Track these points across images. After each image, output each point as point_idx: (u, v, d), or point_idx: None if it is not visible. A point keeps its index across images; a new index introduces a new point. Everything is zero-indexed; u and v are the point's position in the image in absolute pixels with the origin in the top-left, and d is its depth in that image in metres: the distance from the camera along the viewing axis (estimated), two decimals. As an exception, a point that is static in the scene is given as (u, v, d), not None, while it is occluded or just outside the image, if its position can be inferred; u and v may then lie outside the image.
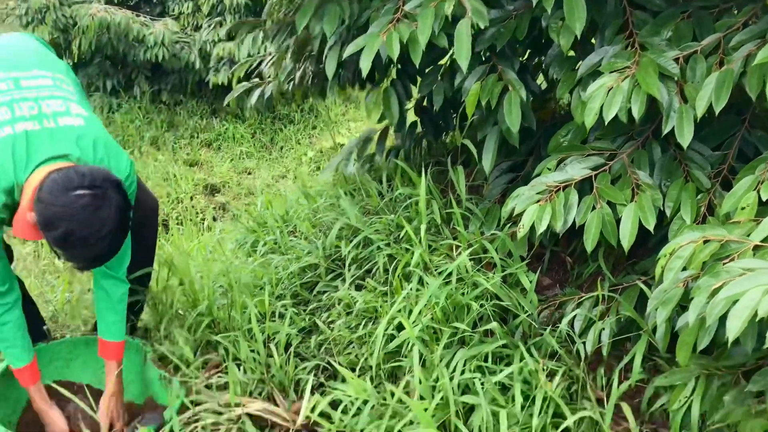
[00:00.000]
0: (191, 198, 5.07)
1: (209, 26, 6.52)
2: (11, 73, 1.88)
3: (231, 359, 2.22)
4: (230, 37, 6.13)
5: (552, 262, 2.50)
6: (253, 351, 2.26)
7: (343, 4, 2.25)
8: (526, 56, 2.54)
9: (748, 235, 1.62)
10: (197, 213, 5.05)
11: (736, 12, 1.92)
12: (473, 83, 2.15)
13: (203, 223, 4.83)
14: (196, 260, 3.17)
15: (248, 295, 2.49)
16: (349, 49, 2.13)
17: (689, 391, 1.78)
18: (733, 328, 1.29)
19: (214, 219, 4.78)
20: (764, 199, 1.74)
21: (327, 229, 2.79)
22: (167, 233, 4.65)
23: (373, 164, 3.39)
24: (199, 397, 2.11)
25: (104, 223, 1.70)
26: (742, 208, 1.74)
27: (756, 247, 1.58)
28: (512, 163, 2.61)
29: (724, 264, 1.53)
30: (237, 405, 2.07)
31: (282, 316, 2.44)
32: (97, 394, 2.19)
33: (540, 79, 2.77)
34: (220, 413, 2.05)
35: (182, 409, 2.05)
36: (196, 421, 2.02)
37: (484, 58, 2.31)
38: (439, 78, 2.46)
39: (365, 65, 2.06)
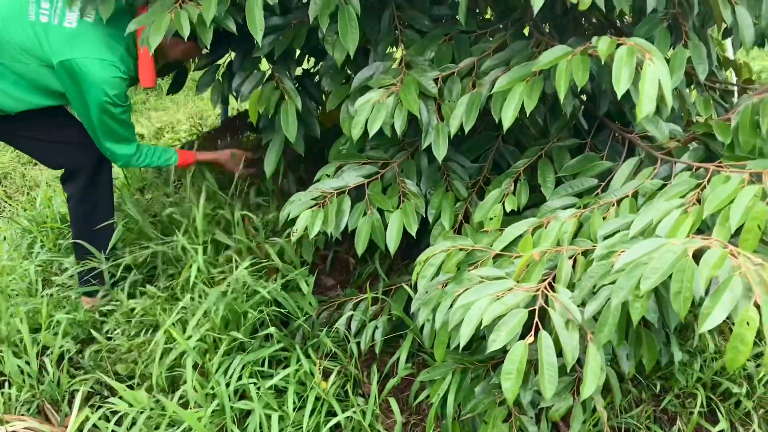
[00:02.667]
0: (23, 175, 4.58)
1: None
2: None
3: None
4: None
5: (336, 263, 2.60)
6: (27, 363, 2.14)
7: None
8: (308, 63, 2.59)
9: (492, 245, 1.80)
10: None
11: (490, 38, 2.10)
12: (250, 88, 2.17)
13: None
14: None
15: (22, 302, 2.35)
16: (132, 25, 2.03)
17: (446, 384, 1.95)
18: (464, 335, 1.43)
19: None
20: (508, 211, 1.95)
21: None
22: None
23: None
24: (-45, 419, 1.97)
25: None
26: (491, 219, 1.94)
27: (497, 256, 1.77)
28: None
29: (469, 271, 1.69)
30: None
31: (59, 322, 2.32)
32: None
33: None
34: (-21, 436, 1.93)
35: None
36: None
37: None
38: (219, 79, 2.44)
39: (153, 42, 1.96)
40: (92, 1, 2.11)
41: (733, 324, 1.13)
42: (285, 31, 2.18)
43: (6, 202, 3.76)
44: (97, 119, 2.19)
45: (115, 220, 2.50)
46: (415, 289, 1.81)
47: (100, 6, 2.08)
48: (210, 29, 1.95)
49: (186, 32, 1.93)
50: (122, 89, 2.18)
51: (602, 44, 1.62)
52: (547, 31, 2.27)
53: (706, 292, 1.15)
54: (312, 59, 2.64)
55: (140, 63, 2.21)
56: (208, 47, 1.98)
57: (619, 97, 1.57)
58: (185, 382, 2.00)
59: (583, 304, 1.43)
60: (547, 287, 1.44)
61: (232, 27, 2.00)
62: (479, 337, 1.86)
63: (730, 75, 2.66)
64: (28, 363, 2.14)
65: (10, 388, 2.11)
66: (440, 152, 1.92)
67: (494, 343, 1.33)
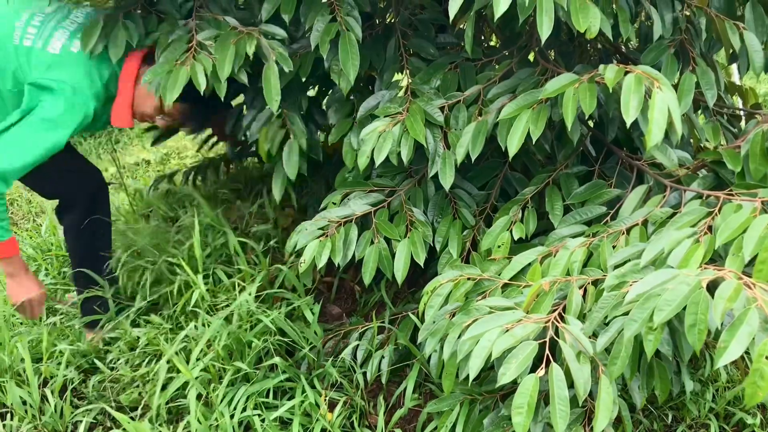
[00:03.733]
0: (29, 201, 4.59)
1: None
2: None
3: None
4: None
5: (342, 291, 2.57)
6: (29, 394, 2.12)
7: (129, 27, 2.16)
8: (315, 91, 2.59)
9: (500, 274, 1.78)
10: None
11: (496, 66, 2.10)
12: (258, 127, 2.18)
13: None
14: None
15: (25, 331, 2.33)
16: (148, 76, 2.04)
17: (455, 416, 1.91)
18: (474, 367, 1.41)
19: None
20: (516, 238, 1.93)
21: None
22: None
23: (173, 185, 3.30)
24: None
25: None
26: (498, 247, 1.92)
27: (505, 285, 1.74)
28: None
29: (477, 301, 1.67)
30: (0, 458, 1.93)
31: (62, 353, 2.29)
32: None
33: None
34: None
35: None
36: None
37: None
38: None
39: (170, 97, 1.98)
40: (77, 31, 2.12)
41: (747, 354, 1.10)
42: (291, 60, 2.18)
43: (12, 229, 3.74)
44: (19, 130, 2.02)
45: (113, 252, 2.48)
46: (421, 318, 1.79)
47: (82, 39, 2.09)
48: (225, 83, 1.99)
49: (203, 87, 1.96)
50: (78, 122, 2.06)
51: (609, 72, 1.61)
52: (553, 57, 2.27)
53: (722, 324, 1.13)
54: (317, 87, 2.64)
55: (119, 102, 2.16)
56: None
57: (627, 126, 1.56)
58: (189, 412, 1.97)
59: (594, 336, 1.41)
60: (557, 318, 1.42)
61: (244, 79, 2.03)
62: (488, 367, 1.83)
63: (736, 100, 2.66)
64: (30, 394, 2.12)
65: (12, 419, 2.08)
66: (447, 180, 1.91)
67: (504, 376, 1.30)
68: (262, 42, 2.03)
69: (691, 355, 1.94)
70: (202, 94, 1.98)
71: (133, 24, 2.18)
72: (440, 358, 1.93)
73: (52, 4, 2.22)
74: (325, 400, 2.03)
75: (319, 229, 2.04)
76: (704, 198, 1.70)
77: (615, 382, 1.35)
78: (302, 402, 2.00)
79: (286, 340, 2.14)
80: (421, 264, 1.97)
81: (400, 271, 1.97)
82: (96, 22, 2.13)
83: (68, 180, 2.36)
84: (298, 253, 2.13)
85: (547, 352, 1.33)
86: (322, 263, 1.95)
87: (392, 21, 2.31)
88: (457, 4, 1.56)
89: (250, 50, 2.00)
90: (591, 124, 2.21)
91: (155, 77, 2.04)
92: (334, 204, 2.17)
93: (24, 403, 2.11)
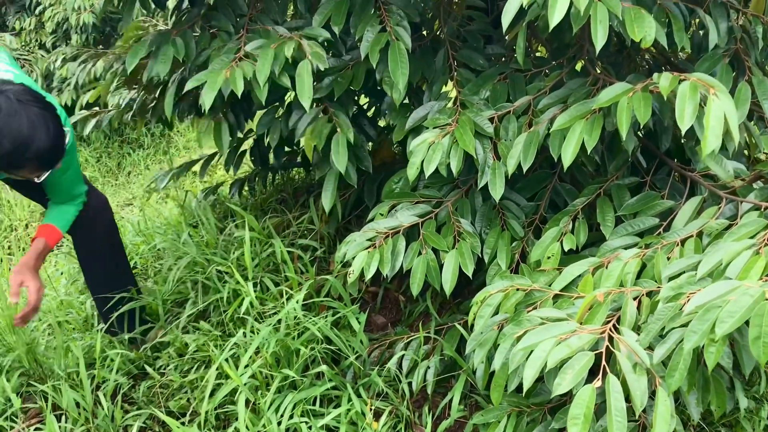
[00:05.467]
0: (26, 226, 4.74)
1: (54, 47, 6.15)
2: None
3: (50, 408, 2.11)
4: (76, 57, 5.84)
5: (387, 300, 2.58)
6: (82, 398, 2.16)
7: (178, 44, 2.21)
8: (365, 103, 2.62)
9: (550, 285, 1.77)
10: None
11: (546, 76, 2.10)
12: (305, 124, 2.19)
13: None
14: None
15: (78, 336, 2.39)
16: (189, 84, 2.09)
17: (502, 428, 1.89)
18: (528, 377, 1.39)
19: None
20: (566, 250, 1.91)
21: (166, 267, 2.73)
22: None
23: (217, 196, 3.36)
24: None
25: (24, 120, 1.77)
26: (548, 258, 1.90)
27: (556, 296, 1.73)
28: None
29: (528, 312, 1.66)
30: (55, 459, 1.97)
31: (113, 360, 2.34)
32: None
33: (383, 122, 2.87)
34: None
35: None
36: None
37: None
38: (276, 117, 2.48)
39: (207, 101, 2.03)
40: None
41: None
42: (343, 72, 2.20)
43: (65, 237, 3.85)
44: None
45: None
46: (466, 328, 1.78)
47: (128, 58, 2.16)
48: (264, 88, 2.01)
49: (240, 89, 1.98)
50: None
51: (664, 80, 1.60)
52: (602, 68, 2.25)
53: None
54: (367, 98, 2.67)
55: None
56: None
57: (683, 133, 1.54)
58: (237, 419, 1.99)
59: (649, 348, 1.39)
60: (612, 329, 1.40)
61: (286, 82, 2.04)
62: (535, 380, 1.81)
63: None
64: (83, 397, 2.16)
65: (66, 422, 2.12)
66: (497, 191, 1.90)
67: (560, 387, 1.29)
68: (302, 43, 2.05)
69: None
70: (239, 97, 1.99)
71: (182, 41, 2.23)
72: (487, 369, 1.92)
73: None
74: (370, 409, 2.03)
75: (367, 240, 2.04)
76: (762, 210, 1.66)
77: (672, 397, 1.33)
78: (348, 410, 2.00)
79: (332, 348, 2.15)
80: (470, 275, 1.96)
81: (448, 282, 1.96)
82: (145, 42, 2.18)
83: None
84: (345, 263, 2.15)
85: (604, 362, 1.31)
86: (370, 274, 1.96)
87: (440, 32, 2.33)
88: (510, 16, 1.57)
89: (289, 53, 2.01)
90: (641, 134, 2.18)
91: (197, 83, 2.07)
92: (382, 215, 2.18)
93: (77, 405, 2.15)
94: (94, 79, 4.51)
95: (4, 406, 2.20)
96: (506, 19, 1.59)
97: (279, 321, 2.11)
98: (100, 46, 6.21)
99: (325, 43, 2.17)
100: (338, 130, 2.16)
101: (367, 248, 2.01)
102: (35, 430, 2.11)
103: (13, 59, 2.21)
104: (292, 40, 2.06)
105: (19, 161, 1.82)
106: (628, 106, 1.63)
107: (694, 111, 1.55)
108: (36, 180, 1.95)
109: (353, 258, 2.01)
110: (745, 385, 2.15)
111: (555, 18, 1.49)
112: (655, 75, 1.66)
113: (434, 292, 2.28)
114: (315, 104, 2.33)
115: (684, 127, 1.54)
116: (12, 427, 2.12)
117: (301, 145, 3.14)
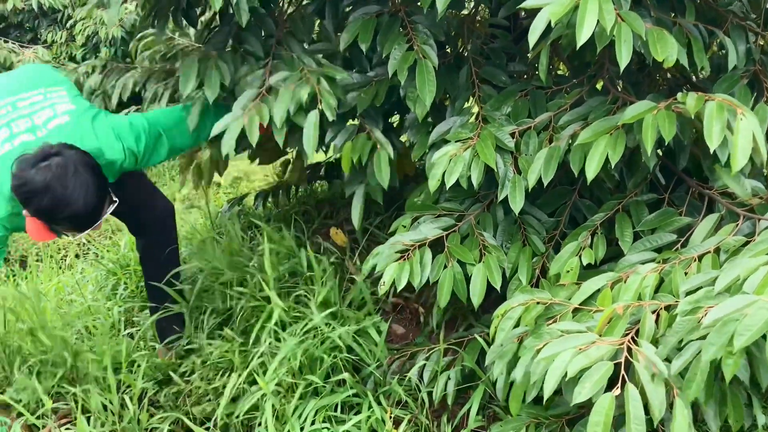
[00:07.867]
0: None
1: (84, 59, 6.33)
2: (9, 98, 2.13)
3: (80, 410, 2.17)
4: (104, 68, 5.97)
5: (406, 311, 2.62)
6: (107, 400, 2.23)
7: (222, 68, 2.27)
8: (390, 118, 2.67)
9: (570, 298, 1.80)
10: (59, 249, 4.84)
11: (566, 94, 2.14)
12: (342, 142, 2.25)
13: (65, 261, 4.64)
14: (52, 302, 3.05)
15: (105, 341, 2.45)
16: (216, 129, 2.14)
17: (520, 439, 1.93)
18: (549, 387, 1.44)
19: (77, 257, 4.61)
20: (585, 264, 1.95)
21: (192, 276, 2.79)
22: (25, 270, 4.42)
23: (243, 207, 3.43)
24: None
25: (69, 184, 1.89)
26: (567, 272, 1.94)
27: (575, 310, 1.76)
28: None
29: (548, 325, 1.69)
30: (83, 460, 2.03)
31: (139, 365, 2.40)
32: None
33: (404, 137, 2.92)
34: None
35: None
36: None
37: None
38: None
39: (228, 148, 2.10)
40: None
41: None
42: (366, 89, 2.26)
43: (91, 243, 3.94)
44: None
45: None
46: (491, 341, 1.82)
47: (181, 82, 2.21)
48: (282, 130, 2.09)
49: (255, 140, 2.06)
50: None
51: (690, 100, 1.64)
52: (621, 87, 2.29)
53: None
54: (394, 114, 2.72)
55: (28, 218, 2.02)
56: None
57: (711, 152, 1.58)
58: (260, 425, 2.04)
59: (667, 360, 1.42)
60: (631, 341, 1.44)
61: (302, 122, 2.11)
62: (554, 392, 1.84)
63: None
64: (110, 401, 2.22)
65: (95, 424, 2.18)
66: (517, 205, 1.95)
67: (579, 396, 1.32)
68: (316, 88, 2.12)
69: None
70: (253, 146, 2.08)
71: (224, 64, 2.28)
72: (507, 380, 1.95)
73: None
74: (390, 416, 2.08)
75: (396, 252, 2.08)
76: (780, 227, 1.69)
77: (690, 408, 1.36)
78: (369, 417, 2.04)
79: (353, 357, 2.20)
80: (498, 288, 1.99)
81: (476, 295, 1.99)
82: (192, 64, 2.24)
83: (140, 207, 2.50)
84: (369, 275, 2.19)
85: (623, 372, 1.35)
86: (402, 285, 1.99)
87: (463, 50, 2.38)
88: (537, 33, 1.62)
89: (304, 97, 2.09)
90: (660, 153, 2.22)
91: (224, 127, 2.11)
92: (404, 227, 2.22)
93: (104, 408, 2.21)
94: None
95: (35, 406, 2.26)
96: (533, 37, 1.63)
97: (302, 329, 2.16)
98: (127, 59, 6.35)
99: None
100: (378, 146, 2.22)
101: (397, 260, 2.04)
102: (65, 429, 2.17)
103: (74, 87, 2.30)
104: (308, 83, 2.13)
105: (54, 218, 1.96)
106: (653, 123, 1.67)
107: (722, 130, 1.59)
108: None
109: (383, 270, 2.04)
110: (763, 402, 2.16)
111: (583, 37, 1.54)
112: (680, 95, 1.70)
113: (453, 304, 2.31)
114: (350, 119, 2.39)
115: (713, 146, 1.59)
116: (44, 426, 2.18)
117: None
